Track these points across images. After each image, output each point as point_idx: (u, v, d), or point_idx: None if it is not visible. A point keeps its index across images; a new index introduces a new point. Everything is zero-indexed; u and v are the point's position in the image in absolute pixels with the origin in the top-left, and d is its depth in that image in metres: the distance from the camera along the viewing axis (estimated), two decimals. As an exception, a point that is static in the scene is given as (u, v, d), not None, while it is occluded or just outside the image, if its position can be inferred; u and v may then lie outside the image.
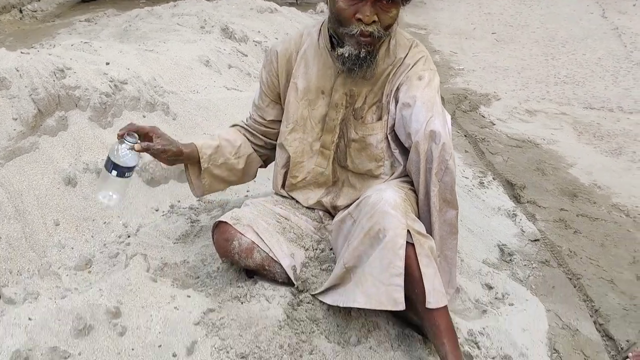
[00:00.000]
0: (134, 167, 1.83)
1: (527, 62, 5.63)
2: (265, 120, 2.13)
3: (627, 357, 2.03)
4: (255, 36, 4.68)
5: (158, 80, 3.01)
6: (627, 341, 2.15)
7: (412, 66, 1.90)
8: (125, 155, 1.78)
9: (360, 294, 1.71)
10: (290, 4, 6.77)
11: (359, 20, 1.73)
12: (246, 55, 4.20)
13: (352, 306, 1.74)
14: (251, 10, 5.34)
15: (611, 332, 2.19)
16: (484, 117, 4.23)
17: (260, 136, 2.16)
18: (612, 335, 2.18)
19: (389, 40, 1.91)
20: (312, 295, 1.90)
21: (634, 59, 5.71)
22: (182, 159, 1.97)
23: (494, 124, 4.11)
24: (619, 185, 3.32)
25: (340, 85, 1.94)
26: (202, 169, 2.03)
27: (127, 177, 1.82)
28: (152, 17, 4.97)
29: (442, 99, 4.51)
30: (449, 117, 1.91)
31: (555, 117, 4.33)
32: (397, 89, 1.90)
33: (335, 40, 1.89)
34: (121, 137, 1.79)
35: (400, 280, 1.65)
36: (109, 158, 1.79)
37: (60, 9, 7.11)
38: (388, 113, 1.93)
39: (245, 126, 2.17)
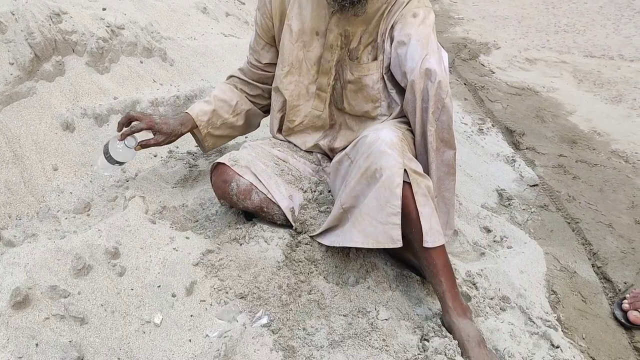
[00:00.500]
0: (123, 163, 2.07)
1: (527, 11, 5.54)
2: (261, 63, 2.11)
3: (625, 298, 2.05)
4: (252, -16, 4.59)
5: (155, 26, 2.95)
6: (625, 283, 2.17)
7: (406, 4, 1.86)
8: (124, 153, 1.99)
9: (358, 233, 1.71)
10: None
11: None
12: (244, 3, 4.12)
13: (349, 245, 1.75)
14: (247, -42, 5.24)
15: (609, 275, 2.22)
16: (483, 65, 4.19)
17: (258, 84, 2.14)
18: (609, 278, 2.20)
19: None
20: (310, 236, 1.91)
21: (635, 6, 5.63)
22: (182, 135, 2.08)
23: (494, 72, 4.07)
24: (618, 132, 3.31)
25: (335, 25, 1.90)
26: (202, 134, 2.10)
27: (116, 164, 2.04)
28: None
29: (442, 46, 4.45)
30: (445, 54, 1.88)
31: (555, 65, 4.28)
32: (392, 27, 1.86)
33: None
34: (122, 137, 1.96)
35: (398, 219, 1.66)
36: (108, 152, 1.98)
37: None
38: (383, 52, 1.89)
39: (241, 77, 2.16)
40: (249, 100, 2.18)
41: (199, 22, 3.29)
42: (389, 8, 1.87)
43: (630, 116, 3.52)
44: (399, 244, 1.67)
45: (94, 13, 2.63)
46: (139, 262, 1.77)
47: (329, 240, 1.85)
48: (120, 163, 2.01)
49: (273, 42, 2.07)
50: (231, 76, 2.20)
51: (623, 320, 1.99)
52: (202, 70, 2.84)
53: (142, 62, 2.64)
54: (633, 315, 1.98)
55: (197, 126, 2.08)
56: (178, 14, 3.22)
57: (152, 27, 2.86)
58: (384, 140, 1.70)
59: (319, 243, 1.90)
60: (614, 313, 2.03)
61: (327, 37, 1.92)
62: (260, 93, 2.17)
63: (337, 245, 1.79)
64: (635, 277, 2.20)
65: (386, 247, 1.69)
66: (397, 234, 1.66)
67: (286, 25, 1.96)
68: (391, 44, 1.86)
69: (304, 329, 1.69)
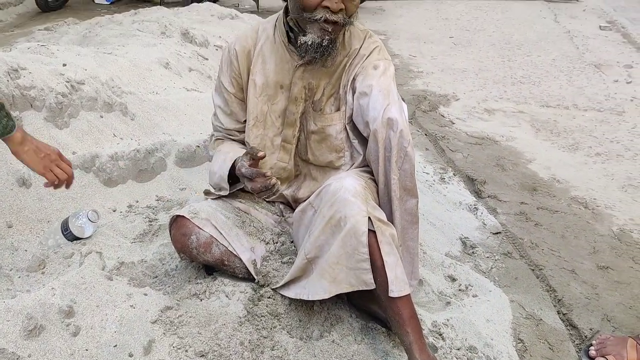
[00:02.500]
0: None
1: (485, 64, 5.71)
2: (241, 122, 2.06)
3: (591, 344, 2.05)
4: (216, 41, 4.63)
5: (116, 81, 2.95)
6: (591, 329, 2.17)
7: (367, 56, 1.90)
8: (85, 228, 2.03)
9: (328, 283, 1.69)
10: (252, 12, 6.75)
11: (326, 7, 1.71)
12: (207, 59, 4.15)
13: (319, 298, 1.72)
14: (212, 16, 5.30)
15: (575, 321, 2.21)
16: (443, 116, 4.26)
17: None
18: (575, 324, 2.20)
19: (344, 32, 1.90)
20: (273, 289, 1.87)
21: (586, 59, 5.85)
22: None
23: (454, 123, 4.14)
24: (576, 178, 3.37)
25: (299, 78, 1.92)
26: None
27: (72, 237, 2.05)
28: (112, 24, 4.89)
29: (403, 99, 4.53)
30: (405, 105, 1.91)
31: (513, 115, 4.39)
32: (354, 79, 1.90)
33: (294, 33, 1.87)
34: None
35: (367, 265, 1.65)
36: (67, 224, 2.02)
37: (20, 19, 6.97)
38: (346, 104, 1.92)
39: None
40: None
41: (162, 77, 3.29)
42: (350, 61, 1.91)
43: (587, 163, 3.60)
44: (373, 286, 1.66)
45: (53, 69, 2.61)
46: (95, 320, 1.71)
47: (293, 292, 1.81)
48: (79, 239, 2.02)
49: (245, 97, 2.05)
50: (215, 141, 2.15)
51: (590, 367, 1.98)
52: (164, 124, 2.83)
53: (102, 117, 2.61)
54: (600, 361, 1.97)
55: None
56: (140, 69, 3.22)
57: (113, 82, 2.86)
58: (348, 188, 1.70)
59: (282, 296, 1.87)
60: (580, 360, 2.02)
61: (292, 90, 1.93)
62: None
63: (305, 298, 1.76)
64: (601, 323, 2.21)
65: (359, 289, 1.67)
66: (369, 277, 1.65)
67: (251, 80, 1.97)
68: (353, 95, 1.89)
69: (267, 387, 1.64)
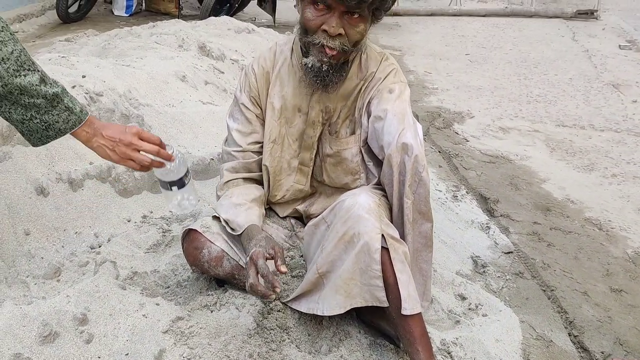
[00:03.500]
0: (187, 172, 1.83)
1: (500, 82, 5.71)
2: (259, 143, 2.01)
3: (601, 367, 2.03)
4: (232, 55, 4.69)
5: (133, 93, 3.00)
6: (602, 353, 2.16)
7: (383, 80, 1.90)
8: (174, 169, 1.78)
9: (343, 298, 1.70)
10: (268, 26, 6.82)
11: (325, 31, 1.71)
12: (223, 73, 4.20)
13: (335, 313, 1.73)
14: (229, 30, 5.36)
15: (586, 344, 2.20)
16: (457, 134, 4.27)
17: (254, 173, 2.05)
18: (586, 347, 2.19)
19: (360, 55, 1.91)
20: (283, 303, 1.88)
21: (604, 79, 5.83)
22: None
23: (468, 141, 4.14)
24: (591, 199, 3.36)
25: (316, 102, 1.93)
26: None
27: (188, 182, 1.83)
28: (131, 36, 4.96)
29: (417, 115, 4.55)
30: (420, 127, 1.92)
31: (528, 134, 4.38)
32: (369, 102, 1.89)
33: (303, 52, 1.89)
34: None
35: (380, 282, 1.66)
36: (161, 180, 1.80)
37: (41, 30, 7.09)
38: (361, 127, 1.92)
39: (250, 178, 2.04)
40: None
41: (178, 90, 3.34)
42: (366, 84, 1.91)
43: (602, 184, 3.59)
44: (386, 304, 1.67)
45: (73, 80, 2.67)
46: (107, 329, 1.73)
47: (305, 307, 1.82)
48: (180, 184, 1.79)
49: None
50: (225, 184, 2.03)
51: (600, 390, 1.97)
52: (179, 137, 2.87)
53: (119, 128, 2.65)
54: (610, 384, 1.96)
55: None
56: (157, 82, 3.27)
57: (130, 94, 2.90)
58: (362, 205, 1.71)
59: (292, 310, 1.88)
60: (591, 382, 2.01)
61: (309, 114, 1.94)
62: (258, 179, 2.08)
63: (320, 314, 1.77)
64: (613, 346, 2.19)
65: (372, 304, 1.69)
66: (382, 295, 1.67)
67: (269, 102, 1.98)
68: (368, 118, 1.89)
69: (275, 400, 1.65)
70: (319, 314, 1.77)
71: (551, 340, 2.17)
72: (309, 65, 1.78)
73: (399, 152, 1.74)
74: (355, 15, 1.70)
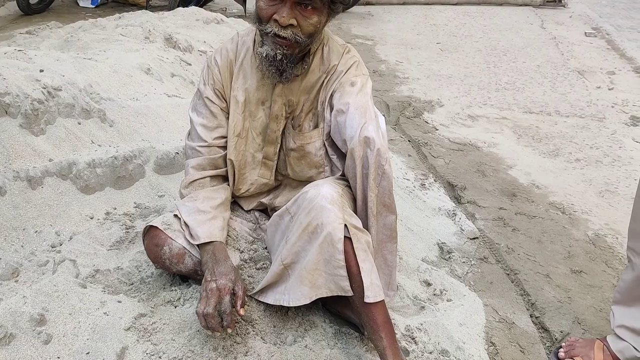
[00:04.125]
0: None
1: (470, 70, 5.74)
2: (224, 136, 1.99)
3: (561, 346, 2.08)
4: (201, 46, 4.64)
5: (95, 87, 2.95)
6: (561, 332, 2.20)
7: (345, 72, 1.89)
8: None
9: (308, 289, 1.72)
10: (239, 17, 6.76)
11: (276, 21, 1.70)
12: (190, 64, 4.16)
13: (301, 304, 1.74)
14: (197, 21, 5.30)
15: (546, 324, 2.25)
16: (427, 122, 4.29)
17: (220, 170, 2.02)
18: (547, 327, 2.23)
19: (322, 48, 1.91)
20: (249, 296, 1.88)
21: (570, 66, 5.90)
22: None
23: (437, 129, 4.17)
24: (555, 184, 3.41)
25: (278, 96, 1.92)
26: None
27: None
28: (95, 29, 4.88)
29: (387, 105, 4.57)
30: (383, 119, 1.92)
31: (496, 121, 4.42)
32: (331, 96, 1.89)
33: (259, 42, 1.87)
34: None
35: (344, 272, 1.68)
36: None
37: (1, 23, 6.93)
38: (324, 120, 1.92)
39: (203, 177, 1.99)
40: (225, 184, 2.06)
41: (142, 83, 3.29)
42: (328, 77, 1.91)
43: (566, 169, 3.64)
44: (350, 293, 1.69)
45: (29, 75, 2.61)
46: (67, 328, 1.72)
47: (272, 298, 1.83)
48: None
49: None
50: (191, 183, 1.99)
51: (560, 370, 2.01)
52: (143, 131, 2.83)
53: (79, 124, 2.61)
54: (569, 364, 2.00)
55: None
56: (120, 75, 3.22)
57: (91, 88, 2.86)
58: (325, 195, 1.72)
59: (257, 302, 1.88)
60: (551, 363, 2.05)
61: (272, 107, 1.94)
62: (225, 175, 2.05)
63: (286, 304, 1.78)
64: (572, 325, 2.24)
65: (338, 294, 1.71)
66: (346, 284, 1.69)
67: (232, 95, 1.96)
68: (331, 112, 1.89)
69: (239, 392, 1.65)
70: (285, 305, 1.78)
71: (513, 322, 2.20)
72: (264, 55, 1.77)
73: (362, 145, 1.75)
74: (308, 7, 1.70)
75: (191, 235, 1.87)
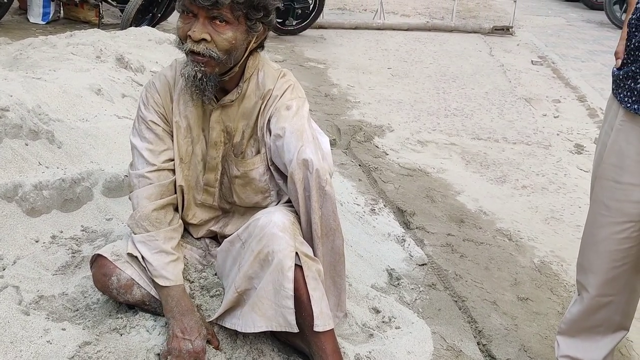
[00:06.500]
0: None
1: (420, 96, 5.86)
2: (172, 160, 1.96)
3: (506, 374, 2.12)
4: (153, 66, 4.60)
5: (43, 108, 2.89)
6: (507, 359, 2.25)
7: (280, 97, 1.90)
8: None
9: (259, 318, 1.73)
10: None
11: (190, 37, 1.71)
12: (142, 85, 4.12)
13: (252, 331, 1.75)
14: (149, 41, 5.25)
15: (493, 352, 2.29)
16: (377, 147, 4.35)
17: (171, 198, 1.98)
18: (494, 355, 2.28)
19: (257, 73, 1.91)
20: (209, 322, 1.87)
21: (517, 93, 6.09)
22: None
23: (387, 154, 4.23)
24: (502, 210, 3.50)
25: (216, 122, 1.91)
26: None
27: None
28: (45, 46, 4.78)
29: (339, 130, 4.61)
30: (326, 139, 1.95)
31: (445, 147, 4.52)
32: (269, 120, 1.89)
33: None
34: None
35: (291, 303, 1.69)
36: None
37: (-53, 39, 6.73)
38: (265, 146, 1.92)
39: (169, 204, 1.96)
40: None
41: (92, 104, 3.24)
42: (264, 102, 1.91)
43: (513, 196, 3.74)
44: (296, 329, 1.70)
45: (-24, 95, 2.55)
46: (7, 358, 1.66)
47: (229, 322, 1.84)
48: None
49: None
50: (146, 216, 1.91)
51: (505, 397, 2.05)
52: (92, 152, 2.79)
53: (27, 145, 2.55)
54: (514, 391, 2.04)
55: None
56: (70, 96, 3.17)
57: (40, 109, 2.80)
58: (276, 223, 1.74)
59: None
60: (496, 390, 2.09)
61: (211, 134, 1.93)
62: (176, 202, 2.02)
63: (239, 330, 1.79)
64: (518, 353, 2.29)
65: (286, 330, 1.71)
66: (292, 319, 1.69)
67: (174, 122, 1.94)
68: (270, 136, 1.89)
69: (187, 423, 1.63)
70: (238, 329, 1.79)
71: (461, 350, 2.24)
72: (186, 75, 1.77)
73: (300, 168, 1.77)
74: (222, 22, 1.71)
75: (155, 275, 1.85)
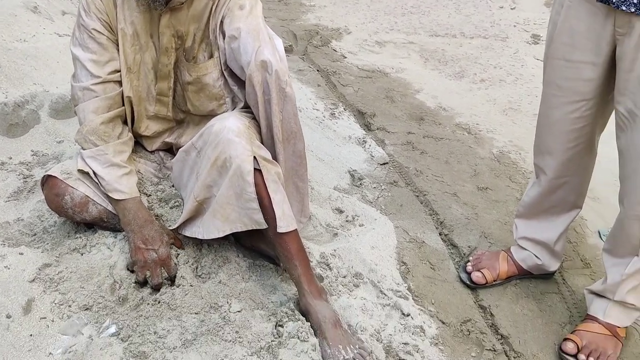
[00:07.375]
0: None
1: (376, -5, 5.71)
2: (118, 70, 1.87)
3: (469, 260, 2.18)
4: (93, -19, 4.36)
5: (-24, 30, 2.74)
6: (469, 247, 2.31)
7: None
8: None
9: (222, 223, 1.71)
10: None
11: None
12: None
13: (216, 236, 1.74)
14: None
15: (455, 241, 2.34)
16: (335, 51, 4.26)
17: (119, 110, 1.90)
18: (455, 244, 2.33)
19: None
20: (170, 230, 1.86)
21: (474, -13, 5.95)
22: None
23: (345, 57, 4.15)
24: (461, 105, 3.50)
25: (166, 27, 1.82)
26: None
27: None
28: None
29: (295, 35, 4.49)
30: (279, 41, 1.87)
31: (403, 46, 4.45)
32: (222, 22, 1.81)
33: None
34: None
35: (256, 204, 1.67)
36: None
37: None
38: (218, 49, 1.85)
39: (117, 116, 1.89)
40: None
41: (29, 23, 3.06)
42: (216, 3, 1.82)
43: (471, 90, 3.73)
44: (265, 226, 1.70)
45: None
46: (-35, 286, 1.64)
47: (189, 231, 1.82)
48: None
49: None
50: (94, 130, 1.84)
51: (467, 282, 2.11)
52: (34, 74, 2.66)
53: (-39, 70, 2.43)
54: (476, 275, 2.10)
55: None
56: (3, 15, 2.98)
57: (-28, 31, 2.65)
58: (231, 128, 1.69)
59: (171, 242, 1.86)
60: (459, 276, 2.15)
61: (161, 40, 1.84)
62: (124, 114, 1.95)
63: (200, 237, 1.78)
64: (479, 240, 2.34)
65: (252, 228, 1.71)
66: (260, 217, 1.69)
67: (119, 28, 1.83)
68: (224, 39, 1.82)
69: (155, 332, 1.65)
70: (199, 237, 1.78)
71: (423, 241, 2.28)
72: None
73: (259, 70, 1.72)
74: None
75: (108, 190, 1.80)
